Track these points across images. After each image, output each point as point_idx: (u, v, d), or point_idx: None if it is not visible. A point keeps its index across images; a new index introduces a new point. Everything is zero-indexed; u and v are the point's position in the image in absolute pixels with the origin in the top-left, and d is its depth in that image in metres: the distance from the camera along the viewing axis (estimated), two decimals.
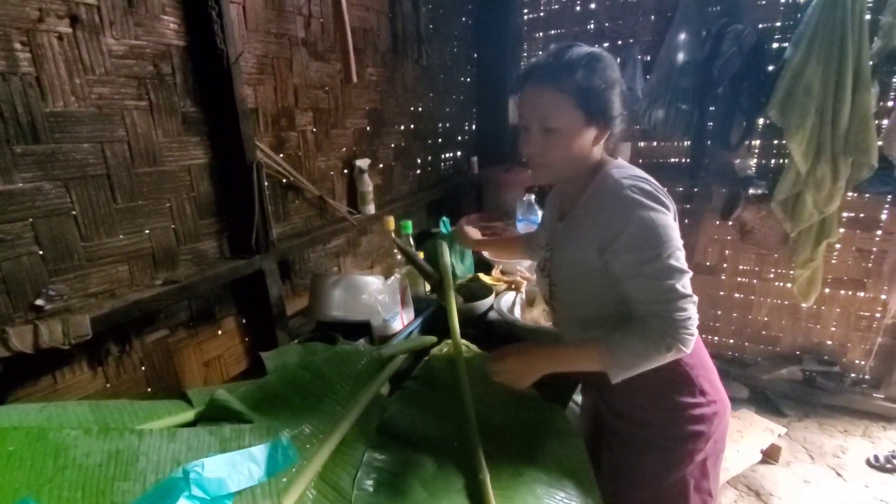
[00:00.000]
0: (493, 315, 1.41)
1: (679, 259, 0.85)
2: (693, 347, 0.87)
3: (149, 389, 1.22)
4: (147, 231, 1.16)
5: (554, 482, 0.78)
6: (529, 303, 1.39)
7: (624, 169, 0.93)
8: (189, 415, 0.81)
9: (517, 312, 1.37)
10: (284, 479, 0.69)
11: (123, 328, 1.15)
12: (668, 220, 0.85)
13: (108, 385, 1.14)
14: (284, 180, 1.48)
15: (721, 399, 0.99)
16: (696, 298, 0.85)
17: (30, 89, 0.90)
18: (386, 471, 0.77)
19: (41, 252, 0.97)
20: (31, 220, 0.94)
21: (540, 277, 1.10)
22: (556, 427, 0.91)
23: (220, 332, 1.40)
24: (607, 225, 0.87)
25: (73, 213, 1.01)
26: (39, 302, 0.98)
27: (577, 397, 1.20)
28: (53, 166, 0.96)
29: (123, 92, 1.06)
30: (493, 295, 1.40)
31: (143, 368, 1.21)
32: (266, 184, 1.35)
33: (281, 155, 1.47)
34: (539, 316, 1.33)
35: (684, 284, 0.84)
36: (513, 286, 1.49)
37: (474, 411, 0.88)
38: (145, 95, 1.11)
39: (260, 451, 0.70)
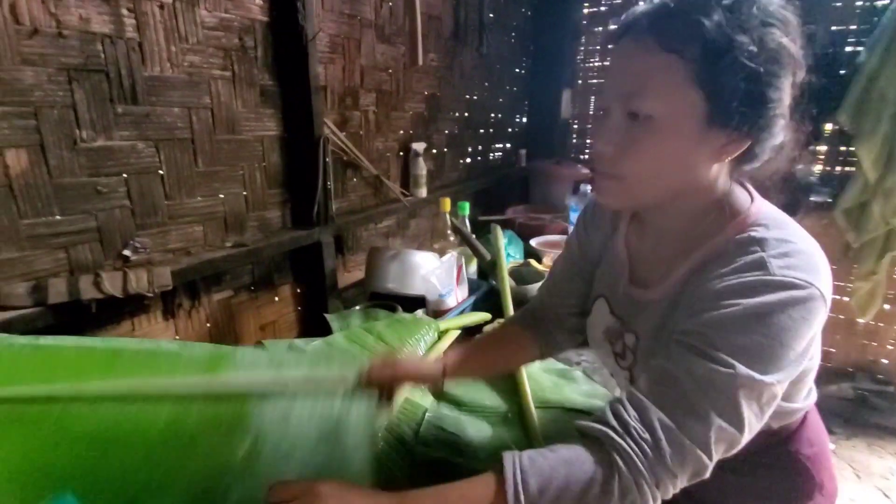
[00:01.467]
0: None
1: (753, 399, 0.49)
2: (809, 428, 0.67)
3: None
4: (221, 195, 1.23)
5: None
6: None
7: (780, 230, 0.56)
8: None
9: None
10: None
11: (194, 285, 1.22)
12: (801, 334, 0.50)
13: (177, 336, 1.22)
14: (345, 157, 1.53)
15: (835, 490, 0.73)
16: (704, 470, 0.50)
17: (133, 53, 0.98)
18: (444, 430, 0.80)
19: (131, 206, 1.05)
20: (125, 175, 1.02)
21: (605, 360, 0.73)
22: None
23: (277, 299, 1.47)
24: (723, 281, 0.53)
25: (161, 172, 1.08)
26: (126, 252, 1.06)
27: None
28: (147, 127, 1.03)
29: (211, 62, 1.13)
30: (543, 280, 1.42)
31: (208, 325, 1.29)
32: (328, 160, 1.40)
33: (343, 133, 1.52)
34: None
35: (719, 435, 0.48)
36: None
37: (528, 386, 0.90)
38: (230, 66, 1.17)
39: None
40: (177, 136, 1.09)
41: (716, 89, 0.50)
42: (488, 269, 1.52)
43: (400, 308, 1.19)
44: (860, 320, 2.17)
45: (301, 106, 1.32)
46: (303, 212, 1.41)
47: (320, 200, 1.39)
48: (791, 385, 0.55)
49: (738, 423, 0.48)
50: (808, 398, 0.68)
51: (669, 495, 0.49)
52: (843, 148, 2.12)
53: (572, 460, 0.49)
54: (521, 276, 1.49)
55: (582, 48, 2.66)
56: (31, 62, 0.84)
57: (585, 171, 2.36)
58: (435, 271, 1.25)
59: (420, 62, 1.53)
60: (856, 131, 1.91)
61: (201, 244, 1.21)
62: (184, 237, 1.17)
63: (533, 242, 1.79)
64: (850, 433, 2.27)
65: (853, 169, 2.02)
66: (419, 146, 1.80)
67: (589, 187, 1.85)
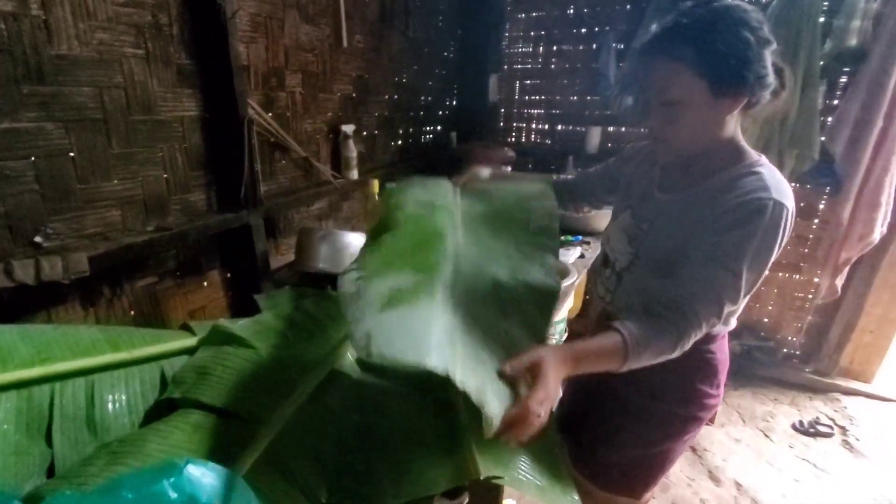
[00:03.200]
0: None
1: (746, 289, 0.79)
2: (722, 344, 0.95)
3: None
4: (140, 178, 1.20)
5: None
6: None
7: (775, 174, 0.82)
8: (193, 340, 0.88)
9: None
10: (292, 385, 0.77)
11: (115, 272, 1.19)
12: (774, 250, 0.79)
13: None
14: (272, 139, 1.53)
15: (721, 394, 1.03)
16: (728, 325, 0.93)
17: (38, 31, 0.93)
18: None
19: (41, 191, 1.01)
20: (32, 158, 0.98)
21: (620, 245, 0.98)
22: None
23: (205, 284, 1.45)
24: (731, 214, 0.79)
25: (72, 154, 1.05)
26: (38, 239, 1.02)
27: None
28: (55, 108, 0.99)
29: (123, 39, 1.09)
30: None
31: (133, 313, 1.26)
32: (254, 141, 1.40)
33: (270, 114, 1.51)
34: None
35: (731, 311, 0.83)
36: None
37: None
38: (143, 44, 1.14)
39: None
40: (88, 116, 1.06)
41: (711, 76, 0.76)
42: None
43: (330, 287, 1.24)
44: None
45: (223, 86, 1.30)
46: (229, 194, 1.41)
47: (247, 183, 1.39)
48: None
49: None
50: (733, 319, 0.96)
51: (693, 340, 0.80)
52: None
53: (658, 328, 0.79)
54: None
55: (507, 34, 2.76)
56: None
57: (511, 153, 2.48)
58: None
59: (345, 44, 1.54)
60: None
61: (120, 229, 1.18)
62: (101, 222, 1.14)
63: None
64: (737, 384, 2.61)
65: None
66: (349, 128, 1.82)
67: (510, 169, 1.96)
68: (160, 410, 0.76)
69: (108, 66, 1.07)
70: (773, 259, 0.79)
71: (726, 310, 0.79)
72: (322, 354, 0.93)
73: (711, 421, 2.31)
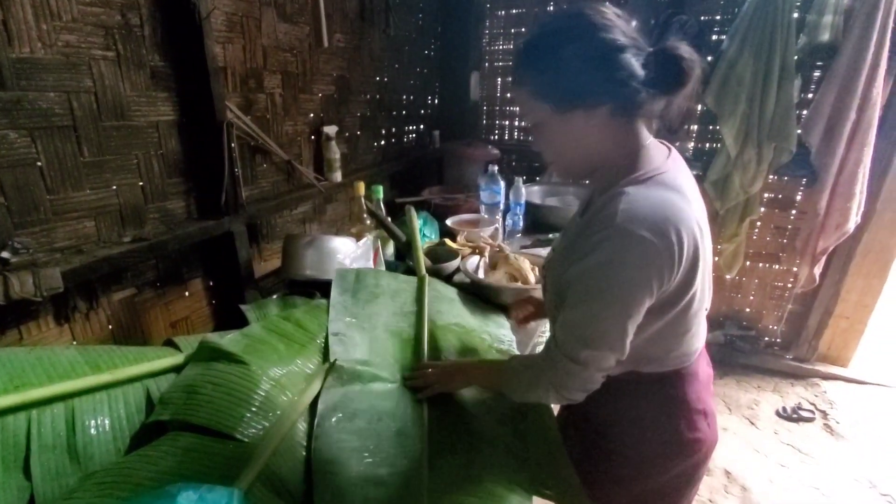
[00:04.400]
0: (460, 276, 1.50)
1: (616, 327, 0.70)
2: (680, 382, 0.84)
3: None
4: (114, 187, 1.14)
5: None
6: (493, 266, 1.49)
7: (639, 196, 0.70)
8: (179, 357, 0.84)
9: (481, 275, 1.47)
10: (278, 412, 0.75)
11: (91, 285, 1.14)
12: (629, 279, 0.68)
13: (75, 342, 1.13)
14: (253, 143, 1.48)
15: (713, 431, 0.89)
16: (598, 374, 0.76)
17: None
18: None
19: (6, 203, 0.95)
20: None
21: (542, 278, 0.96)
22: None
23: (187, 294, 1.40)
24: (581, 240, 0.74)
25: (39, 164, 0.99)
26: (5, 254, 0.96)
27: None
28: (19, 115, 0.93)
29: (90, 41, 1.03)
30: (458, 258, 1.49)
31: (111, 327, 1.21)
32: (234, 145, 1.35)
33: (249, 117, 1.46)
34: (501, 277, 1.43)
35: (596, 355, 0.72)
36: (476, 251, 1.59)
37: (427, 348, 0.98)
38: (113, 46, 1.08)
39: None
40: (55, 123, 1.00)
41: (549, 96, 0.74)
42: (405, 250, 1.57)
43: (318, 294, 1.20)
44: (727, 276, 2.53)
45: (199, 89, 1.25)
46: (210, 201, 1.35)
47: (228, 188, 1.34)
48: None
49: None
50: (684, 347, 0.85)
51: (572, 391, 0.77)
52: (711, 127, 2.43)
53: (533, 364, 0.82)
54: (437, 255, 1.56)
55: (487, 31, 2.74)
56: None
57: (496, 151, 2.47)
58: (352, 255, 1.27)
59: (325, 43, 1.50)
60: (720, 112, 2.20)
61: (95, 240, 1.12)
62: (73, 234, 1.08)
63: (448, 222, 1.86)
64: (722, 373, 2.66)
65: (719, 145, 2.32)
66: (331, 129, 1.77)
67: (496, 167, 1.95)
68: (148, 434, 0.72)
69: (75, 70, 1.01)
70: (640, 289, 0.68)
71: (585, 349, 0.72)
72: (316, 367, 0.90)
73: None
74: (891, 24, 1.93)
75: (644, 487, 0.89)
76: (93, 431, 0.70)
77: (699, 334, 0.88)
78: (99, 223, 1.13)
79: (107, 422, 0.72)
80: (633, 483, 0.89)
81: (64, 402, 0.70)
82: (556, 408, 1.03)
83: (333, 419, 0.79)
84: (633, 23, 0.76)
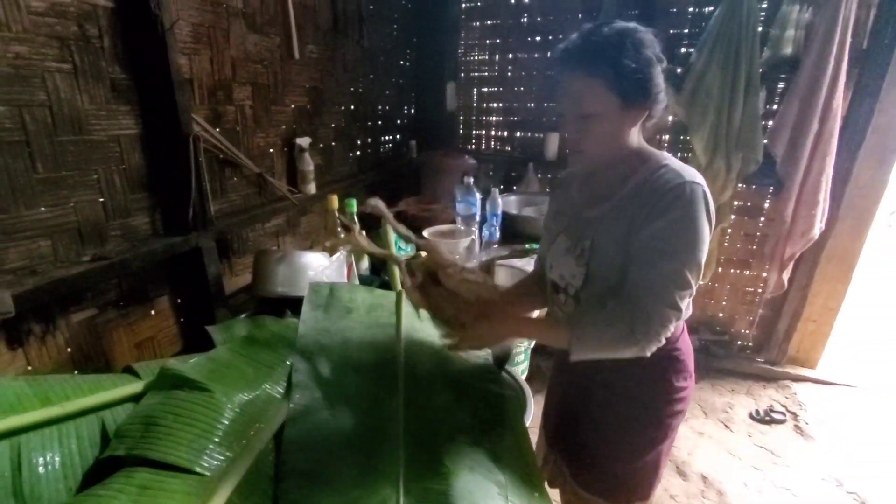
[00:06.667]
0: None
1: (693, 274, 0.83)
2: (684, 337, 0.97)
3: (75, 372, 1.16)
4: (72, 204, 1.10)
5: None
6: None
7: (680, 164, 0.89)
8: (138, 386, 0.80)
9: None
10: (244, 441, 0.72)
11: (47, 307, 1.08)
12: (707, 232, 0.83)
13: (30, 367, 1.08)
14: (221, 156, 1.44)
15: (693, 383, 1.05)
16: (684, 315, 0.88)
17: None
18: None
19: None
20: None
21: (568, 268, 0.99)
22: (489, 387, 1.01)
23: (153, 312, 1.35)
24: (654, 207, 0.84)
25: None
26: None
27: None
28: None
29: (44, 52, 0.99)
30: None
31: (69, 350, 1.15)
32: (201, 159, 1.31)
33: (217, 129, 1.43)
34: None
35: (682, 297, 0.83)
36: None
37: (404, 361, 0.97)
38: (69, 57, 1.04)
39: None
40: (5, 139, 0.95)
41: (622, 90, 0.82)
42: (380, 264, 1.54)
43: (289, 312, 1.17)
44: (700, 282, 2.57)
45: (164, 101, 1.21)
46: (176, 216, 1.31)
47: (195, 203, 1.30)
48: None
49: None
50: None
51: (662, 338, 0.85)
52: (682, 137, 2.48)
53: (607, 319, 0.87)
54: (413, 268, 1.53)
55: (462, 42, 2.75)
56: None
57: (472, 161, 2.47)
58: (325, 271, 1.24)
59: (297, 54, 1.48)
60: (690, 122, 2.25)
61: (51, 261, 1.07)
62: (27, 254, 1.03)
63: (425, 233, 1.84)
64: (698, 377, 2.63)
65: (690, 154, 2.37)
66: (304, 141, 1.74)
67: (472, 179, 1.94)
68: (102, 471, 0.68)
69: (27, 83, 0.97)
70: (706, 234, 0.83)
71: (677, 295, 0.83)
72: (284, 391, 0.87)
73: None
74: (849, 39, 2.00)
75: (648, 434, 1.02)
76: (41, 469, 0.66)
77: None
78: (56, 242, 1.08)
79: (57, 458, 0.67)
80: (644, 427, 1.02)
81: (9, 439, 0.65)
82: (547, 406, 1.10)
83: (299, 452, 0.76)
84: None
